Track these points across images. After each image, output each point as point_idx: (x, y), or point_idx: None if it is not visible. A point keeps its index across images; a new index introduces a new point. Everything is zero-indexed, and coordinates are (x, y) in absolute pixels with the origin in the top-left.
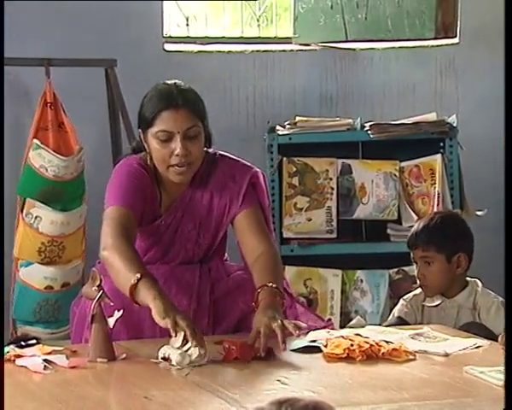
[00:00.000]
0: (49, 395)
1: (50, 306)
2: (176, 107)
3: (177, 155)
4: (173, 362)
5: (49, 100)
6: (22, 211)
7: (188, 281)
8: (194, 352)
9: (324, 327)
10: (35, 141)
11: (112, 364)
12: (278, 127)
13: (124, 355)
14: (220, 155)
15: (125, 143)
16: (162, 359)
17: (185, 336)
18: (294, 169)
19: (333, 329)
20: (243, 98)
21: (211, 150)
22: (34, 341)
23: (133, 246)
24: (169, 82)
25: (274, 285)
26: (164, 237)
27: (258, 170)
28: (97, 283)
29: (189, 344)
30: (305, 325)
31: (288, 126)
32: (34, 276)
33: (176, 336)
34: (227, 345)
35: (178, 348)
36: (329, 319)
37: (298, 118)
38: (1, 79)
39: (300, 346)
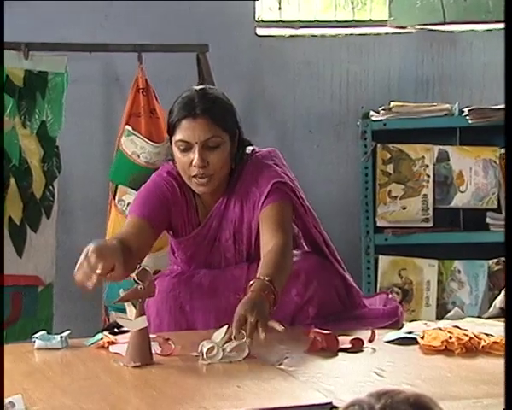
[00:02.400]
0: (144, 381)
1: None
2: (194, 116)
3: (195, 166)
4: (205, 356)
5: (142, 86)
6: (115, 197)
7: (236, 277)
8: (230, 347)
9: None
10: (127, 127)
11: None
12: (372, 113)
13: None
14: (254, 156)
15: None
16: (200, 352)
17: (228, 330)
18: (389, 156)
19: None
20: (336, 83)
21: (250, 149)
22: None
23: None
24: (197, 88)
25: (267, 279)
26: (202, 248)
27: (280, 179)
28: (147, 282)
29: (224, 337)
30: (282, 328)
31: (382, 112)
32: None
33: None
34: (313, 335)
35: (217, 343)
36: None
37: (393, 103)
38: (1, 78)
39: (396, 337)
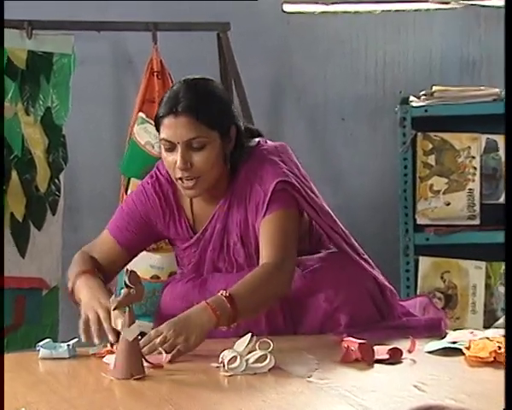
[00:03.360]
0: (158, 395)
1: (157, 298)
2: (176, 114)
3: (178, 168)
4: (226, 367)
5: (156, 69)
6: (126, 192)
7: None
8: (253, 357)
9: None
10: (140, 114)
11: None
12: (412, 98)
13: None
14: (259, 151)
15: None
16: (221, 363)
17: (251, 338)
18: (430, 146)
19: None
20: (371, 65)
21: (256, 141)
22: (139, 336)
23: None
24: (187, 79)
25: (225, 294)
26: (208, 254)
27: (285, 178)
28: (138, 285)
29: (248, 346)
30: (164, 361)
31: (423, 97)
32: (139, 264)
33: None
34: (346, 345)
35: (239, 353)
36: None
37: (435, 87)
38: (1, 77)
39: (438, 347)
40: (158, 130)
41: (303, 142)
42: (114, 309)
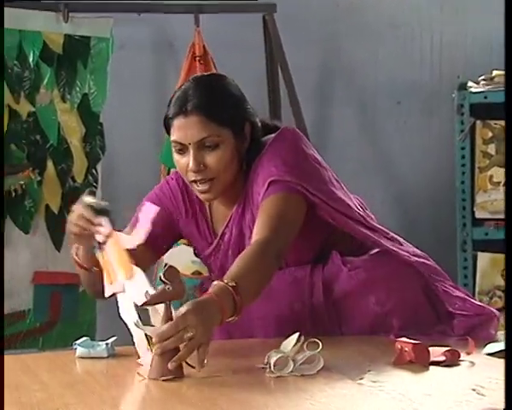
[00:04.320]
0: (202, 397)
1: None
2: (185, 113)
3: (191, 171)
4: (272, 368)
5: (198, 53)
6: None
7: (298, 280)
8: (301, 358)
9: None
10: None
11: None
12: (470, 83)
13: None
14: (268, 147)
15: (284, 101)
16: (267, 364)
17: (299, 338)
18: (490, 134)
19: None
20: (427, 48)
21: (269, 137)
22: None
23: None
24: (196, 77)
25: (231, 284)
26: (229, 259)
27: (278, 178)
28: (175, 282)
29: (296, 346)
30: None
31: (482, 82)
32: (180, 259)
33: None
34: (399, 346)
35: (287, 353)
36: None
37: (495, 72)
38: (1, 76)
39: (498, 349)
40: (168, 132)
41: (352, 130)
42: (142, 306)
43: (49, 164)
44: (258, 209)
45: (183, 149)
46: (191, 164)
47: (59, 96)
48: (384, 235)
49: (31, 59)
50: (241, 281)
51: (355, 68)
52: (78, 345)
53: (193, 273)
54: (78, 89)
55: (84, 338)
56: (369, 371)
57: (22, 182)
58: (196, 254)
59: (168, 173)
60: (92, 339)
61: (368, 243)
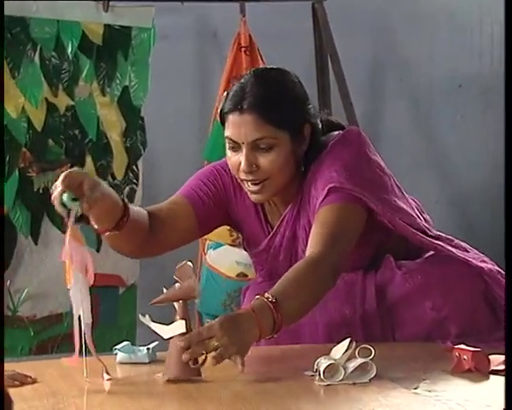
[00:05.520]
0: (246, 405)
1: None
2: (240, 111)
3: (242, 171)
4: (322, 376)
5: (244, 43)
6: None
7: (349, 285)
8: (353, 365)
9: None
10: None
11: None
12: None
13: None
14: (328, 147)
15: (334, 95)
16: (316, 371)
17: (350, 344)
18: None
19: None
20: (486, 39)
21: (333, 135)
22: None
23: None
24: (256, 70)
25: (271, 299)
26: (280, 262)
27: (337, 185)
28: (186, 281)
29: (347, 353)
30: (241, 368)
31: None
32: (224, 260)
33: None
34: (457, 353)
35: (337, 360)
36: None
37: None
38: (1, 76)
39: None
40: (223, 125)
41: (405, 125)
42: (152, 304)
43: (88, 160)
44: (314, 215)
45: (236, 147)
46: (243, 164)
47: (98, 89)
48: (448, 243)
49: (69, 50)
50: (286, 298)
51: (408, 61)
52: (119, 350)
53: (237, 275)
54: (118, 81)
55: (125, 343)
56: (424, 379)
57: None
58: (245, 249)
59: None
60: (132, 344)
61: (426, 248)
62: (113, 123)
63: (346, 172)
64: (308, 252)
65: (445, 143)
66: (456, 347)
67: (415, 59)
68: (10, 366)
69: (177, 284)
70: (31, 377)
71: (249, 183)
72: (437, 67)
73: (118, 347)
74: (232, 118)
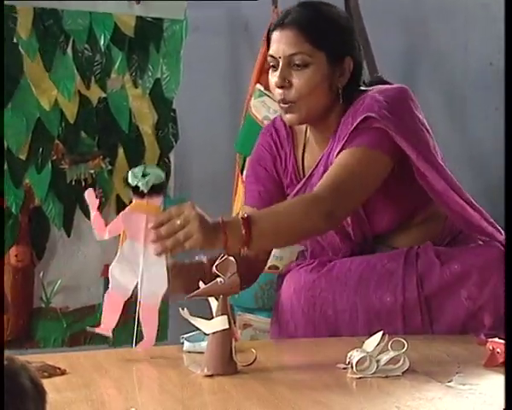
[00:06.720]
0: (280, 398)
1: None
2: (282, 26)
3: (276, 87)
4: (354, 369)
5: None
6: (242, 172)
7: (391, 272)
8: (386, 358)
9: None
10: (258, 86)
11: None
12: None
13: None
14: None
15: None
16: (348, 364)
17: (383, 337)
18: None
19: None
20: None
21: (377, 88)
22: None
23: None
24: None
25: (244, 215)
26: None
27: (375, 116)
28: (228, 275)
29: (379, 345)
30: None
31: None
32: None
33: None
34: (491, 346)
35: (370, 353)
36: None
37: None
38: (1, 77)
39: None
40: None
41: (438, 117)
42: (191, 297)
43: (120, 152)
44: (349, 143)
45: (275, 65)
46: (277, 78)
47: (130, 81)
48: (486, 218)
49: (101, 42)
50: (262, 220)
51: (442, 53)
52: (186, 339)
53: (269, 268)
54: (150, 73)
55: (194, 333)
56: (457, 373)
57: (92, 171)
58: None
59: (244, 162)
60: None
61: (460, 226)
62: (145, 115)
63: (387, 109)
64: (313, 190)
65: (478, 134)
66: (491, 340)
67: (448, 49)
68: (43, 358)
69: (218, 279)
70: (60, 368)
71: (281, 103)
72: (471, 58)
73: (185, 336)
74: (274, 34)
